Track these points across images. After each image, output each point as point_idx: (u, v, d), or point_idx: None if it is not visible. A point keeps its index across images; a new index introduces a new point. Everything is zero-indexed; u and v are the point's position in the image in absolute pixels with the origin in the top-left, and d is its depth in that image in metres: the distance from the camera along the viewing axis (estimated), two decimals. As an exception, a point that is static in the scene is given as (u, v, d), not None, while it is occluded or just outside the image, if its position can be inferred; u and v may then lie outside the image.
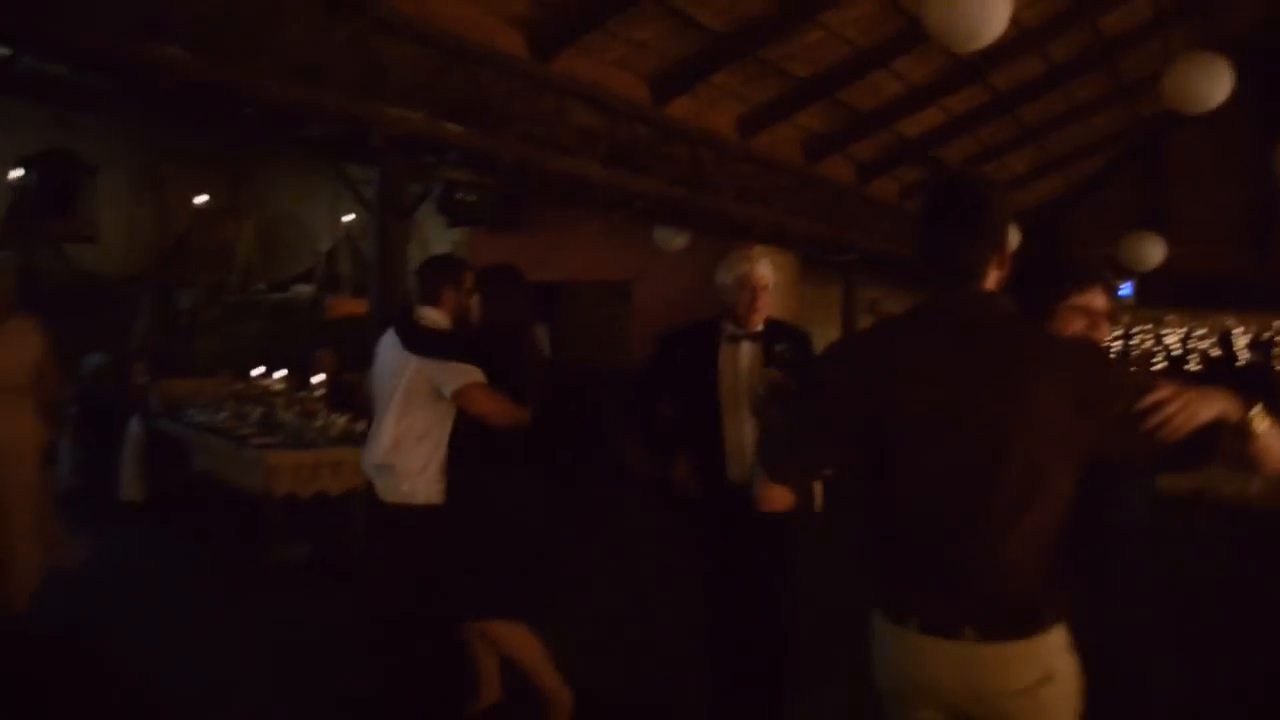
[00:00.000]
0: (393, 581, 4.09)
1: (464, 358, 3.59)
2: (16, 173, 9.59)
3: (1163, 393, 1.91)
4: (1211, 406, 1.93)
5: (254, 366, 8.51)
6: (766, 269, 3.77)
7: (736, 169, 6.93)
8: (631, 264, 11.20)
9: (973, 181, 2.23)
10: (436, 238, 12.82)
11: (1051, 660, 1.95)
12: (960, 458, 1.92)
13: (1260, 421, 1.97)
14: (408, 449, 3.70)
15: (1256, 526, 8.58)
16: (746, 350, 3.73)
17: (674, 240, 9.89)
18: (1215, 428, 1.93)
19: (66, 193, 11.69)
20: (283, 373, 7.97)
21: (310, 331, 9.63)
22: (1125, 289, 11.68)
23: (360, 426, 6.50)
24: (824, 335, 10.60)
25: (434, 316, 3.83)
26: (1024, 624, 1.93)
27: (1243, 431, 1.96)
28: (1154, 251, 9.99)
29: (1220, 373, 11.79)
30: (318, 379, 7.36)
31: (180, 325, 10.71)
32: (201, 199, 10.97)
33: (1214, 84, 5.64)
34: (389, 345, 3.83)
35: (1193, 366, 11.88)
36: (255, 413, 7.66)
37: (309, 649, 5.15)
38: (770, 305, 3.74)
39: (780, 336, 3.68)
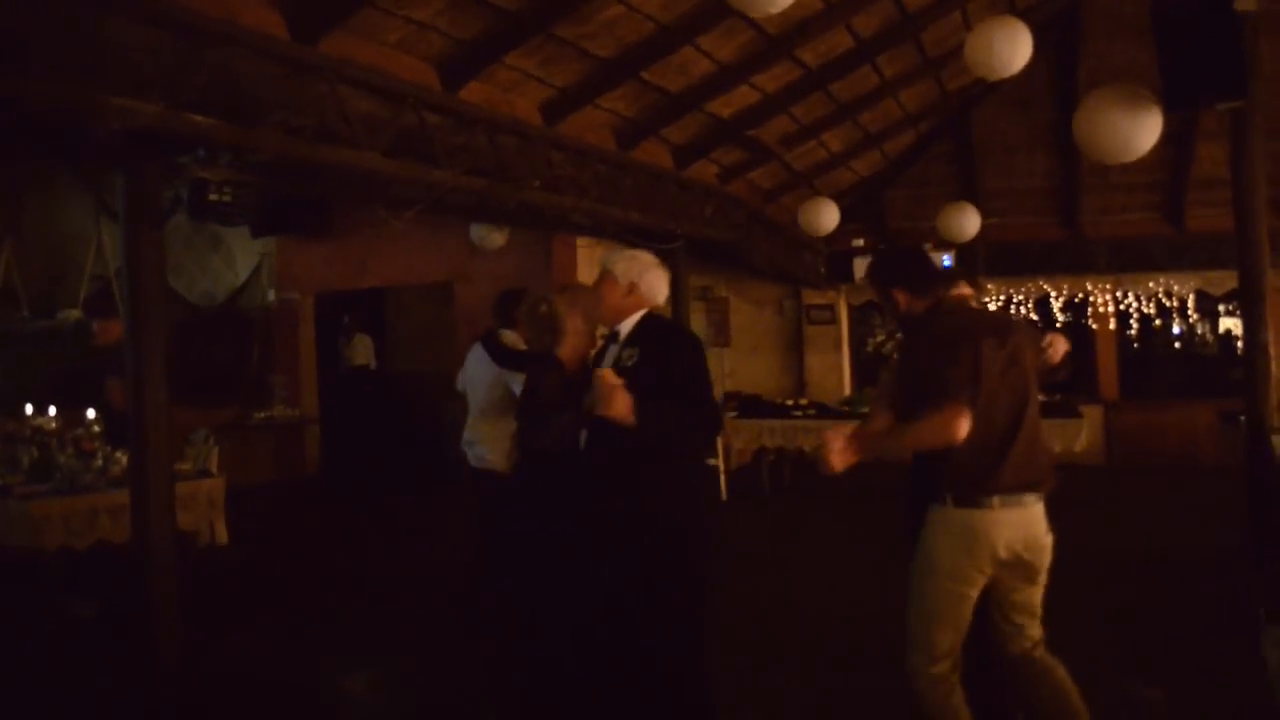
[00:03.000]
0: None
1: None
2: None
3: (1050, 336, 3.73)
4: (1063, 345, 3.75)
5: (29, 403, 7.58)
6: (607, 260, 3.67)
7: (544, 157, 6.51)
8: (452, 265, 10.69)
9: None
10: (242, 249, 11.97)
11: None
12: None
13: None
14: (492, 432, 5.10)
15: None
16: (611, 354, 3.57)
17: (492, 237, 9.44)
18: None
19: None
20: (53, 410, 7.10)
21: (84, 361, 8.73)
22: (945, 260, 11.86)
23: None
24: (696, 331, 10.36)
25: (512, 337, 5.23)
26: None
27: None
28: (969, 223, 10.13)
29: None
30: (91, 414, 6.56)
31: (-57, 364, 9.57)
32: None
33: (1015, 48, 5.58)
34: (479, 358, 5.25)
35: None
36: (28, 456, 6.80)
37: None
38: (618, 302, 3.56)
39: (643, 339, 3.49)
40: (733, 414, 10.39)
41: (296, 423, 11.56)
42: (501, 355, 5.08)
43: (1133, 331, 12.63)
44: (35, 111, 3.55)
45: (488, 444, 5.13)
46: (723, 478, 9.84)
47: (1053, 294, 12.51)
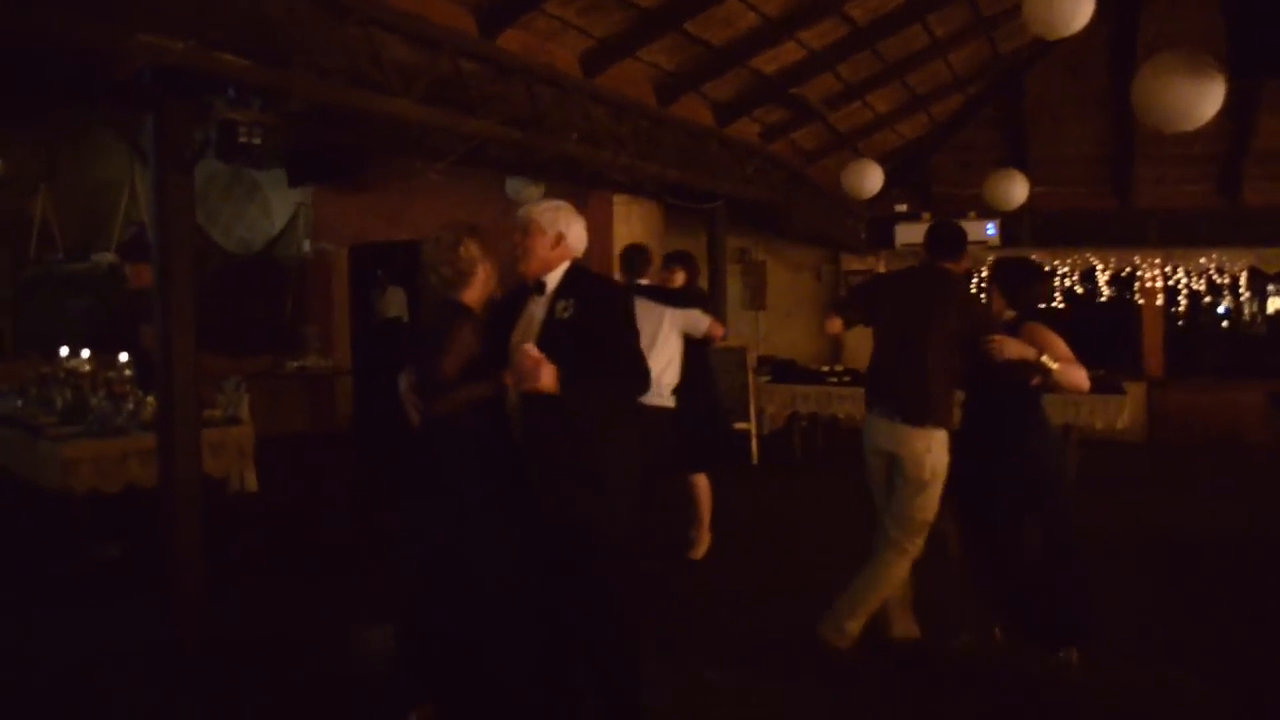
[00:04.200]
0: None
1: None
2: None
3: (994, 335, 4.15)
4: (1013, 349, 4.12)
5: (67, 345, 7.61)
6: (532, 211, 3.52)
7: (582, 109, 6.37)
8: (487, 218, 10.53)
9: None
10: (279, 198, 11.93)
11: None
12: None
13: (1051, 363, 4.10)
14: (667, 370, 5.58)
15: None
16: (535, 306, 3.45)
17: (528, 191, 9.32)
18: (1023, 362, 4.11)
19: None
20: (87, 352, 7.12)
21: (117, 304, 8.73)
22: (990, 229, 11.58)
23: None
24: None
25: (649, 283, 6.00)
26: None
27: (1043, 368, 4.10)
28: (1017, 191, 9.83)
29: (1084, 309, 11.87)
30: (124, 357, 6.56)
31: (-19, 304, 9.64)
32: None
33: (1077, 5, 5.32)
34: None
35: (1058, 304, 11.90)
36: (61, 399, 6.83)
37: (101, 665, 4.53)
38: (545, 254, 3.43)
39: (576, 291, 3.38)
40: (766, 378, 10.25)
41: (329, 373, 11.57)
42: (669, 297, 5.79)
43: (1180, 308, 12.30)
44: (62, 49, 3.46)
45: (663, 382, 5.51)
46: (754, 442, 9.73)
47: (1099, 266, 12.19)
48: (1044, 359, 4.09)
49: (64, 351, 7.49)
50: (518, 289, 3.53)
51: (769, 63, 7.73)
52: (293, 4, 4.20)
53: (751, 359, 10.14)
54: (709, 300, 6.64)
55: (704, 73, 7.44)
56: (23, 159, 10.73)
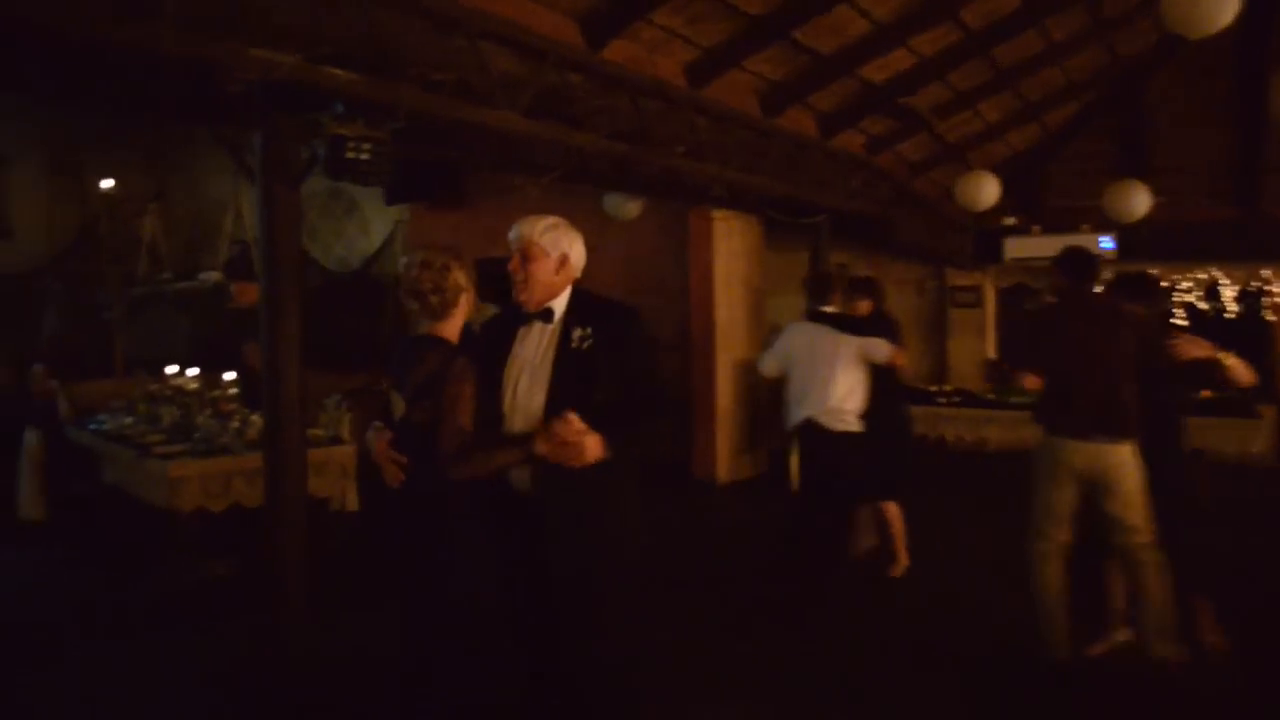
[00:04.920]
0: (831, 481, 5.61)
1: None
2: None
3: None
4: (1195, 349, 4.50)
5: (174, 363, 7.72)
6: (529, 232, 3.11)
7: (687, 121, 6.19)
8: (583, 236, 10.43)
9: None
10: (377, 216, 12.04)
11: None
12: None
13: (1226, 357, 4.46)
14: (850, 397, 5.57)
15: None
16: (535, 333, 3.06)
17: (626, 208, 9.17)
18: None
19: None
20: (194, 371, 7.18)
21: (223, 323, 8.84)
22: (1106, 242, 11.06)
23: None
24: (792, 306, 9.93)
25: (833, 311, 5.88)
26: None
27: (1221, 363, 4.43)
28: (1139, 202, 9.37)
29: (1208, 326, 11.24)
30: (229, 376, 6.59)
31: (94, 322, 9.87)
32: (108, 184, 10.10)
33: (1221, 3, 4.96)
34: (813, 333, 5.72)
35: (1179, 320, 11.29)
36: (169, 416, 6.90)
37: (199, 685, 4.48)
38: (550, 279, 3.06)
39: (589, 318, 3.01)
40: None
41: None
42: (852, 325, 5.75)
43: (1314, 325, 11.57)
44: (170, 63, 3.41)
45: (849, 408, 5.57)
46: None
47: (1225, 281, 11.54)
48: (1219, 354, 4.39)
49: (171, 369, 7.60)
50: (502, 316, 3.18)
51: (878, 71, 7.45)
52: (400, 17, 4.11)
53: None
54: (899, 327, 6.51)
55: (810, 83, 7.19)
56: (134, 179, 11.02)
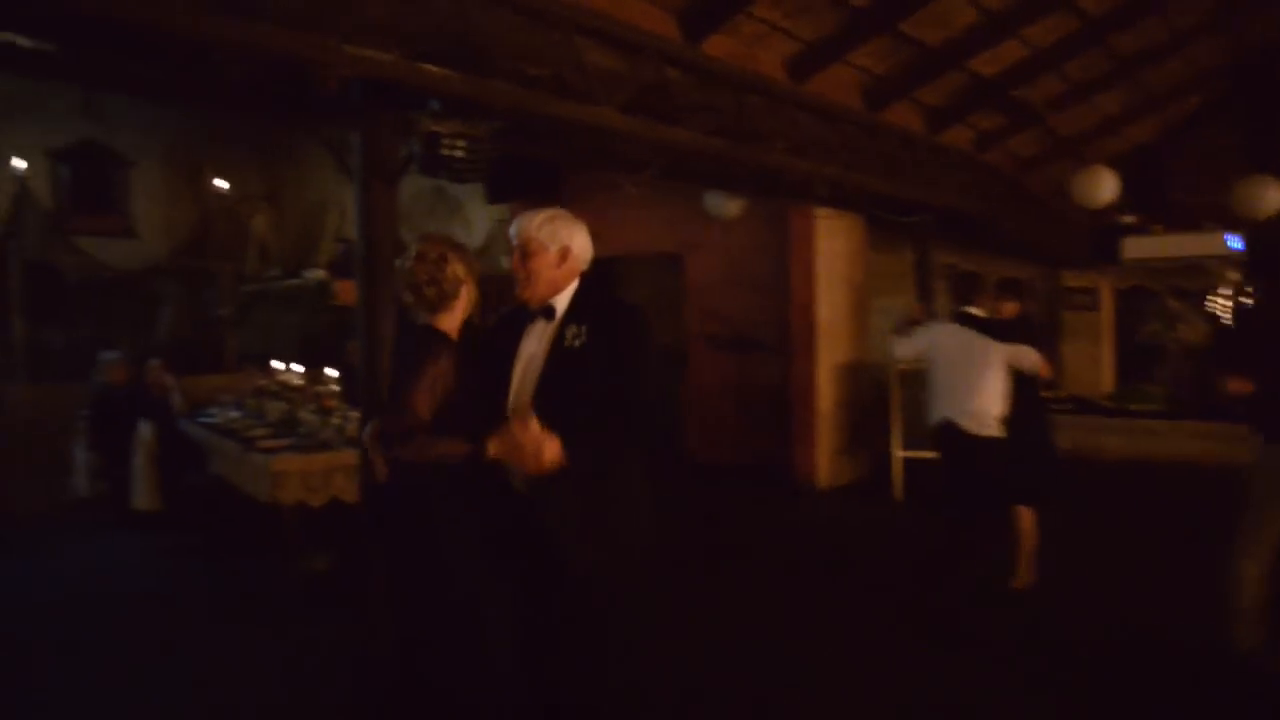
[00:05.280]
0: (970, 485, 5.45)
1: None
2: (19, 164, 9.06)
3: None
4: None
5: (282, 359, 7.91)
6: (527, 226, 2.97)
7: (789, 117, 6.05)
8: (683, 235, 10.39)
9: None
10: (480, 216, 12.15)
11: None
12: None
13: None
14: (994, 402, 5.40)
15: None
16: (538, 331, 2.93)
17: (726, 207, 9.04)
18: None
19: (102, 187, 11.32)
20: (300, 367, 7.33)
21: (331, 320, 9.00)
22: (1234, 241, 10.48)
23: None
24: (896, 307, 9.66)
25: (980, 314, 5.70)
26: None
27: None
28: (1270, 199, 8.84)
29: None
30: (332, 372, 6.69)
31: (208, 318, 10.20)
32: (222, 184, 10.41)
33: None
34: (956, 334, 5.58)
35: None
36: (274, 411, 7.06)
37: (293, 674, 4.54)
38: (551, 274, 2.92)
39: (589, 315, 2.87)
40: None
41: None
42: (998, 329, 5.64)
43: None
44: (269, 60, 3.43)
45: (990, 413, 5.46)
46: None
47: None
48: None
49: (278, 365, 7.77)
50: (512, 313, 3.04)
51: (987, 64, 7.19)
52: (496, 13, 4.09)
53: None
54: (1040, 331, 6.49)
55: (916, 76, 6.98)
56: (248, 180, 11.36)
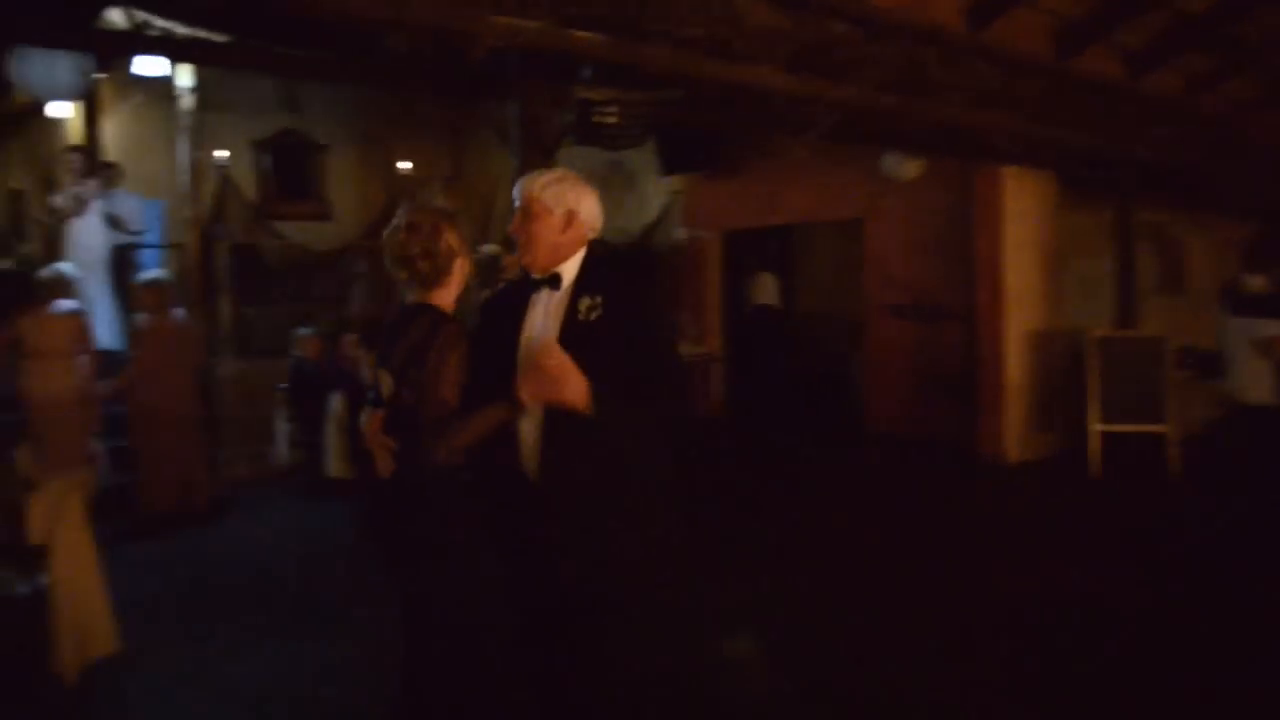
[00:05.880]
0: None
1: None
2: (222, 155, 9.67)
3: None
4: None
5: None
6: (530, 187, 2.75)
7: (968, 68, 5.68)
8: (861, 200, 10.04)
9: None
10: (654, 188, 12.15)
11: None
12: None
13: None
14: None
15: None
16: (544, 301, 2.72)
17: (905, 167, 8.67)
18: None
19: (300, 173, 12.02)
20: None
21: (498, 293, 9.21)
22: None
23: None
24: (1092, 270, 9.01)
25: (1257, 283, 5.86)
26: None
27: None
28: None
29: None
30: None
31: (396, 295, 10.64)
32: (406, 166, 10.81)
33: None
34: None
35: None
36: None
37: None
38: (555, 239, 2.70)
39: (602, 285, 2.66)
40: (1188, 374, 8.82)
41: (703, 360, 11.62)
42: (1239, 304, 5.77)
43: None
44: (420, 31, 3.45)
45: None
46: (1171, 450, 8.39)
47: None
48: None
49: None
50: (516, 283, 2.86)
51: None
52: (648, -28, 3.98)
53: (1169, 351, 8.77)
54: None
55: (1114, 17, 6.40)
56: (432, 162, 11.79)
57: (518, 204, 2.77)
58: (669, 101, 4.40)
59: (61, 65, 5.13)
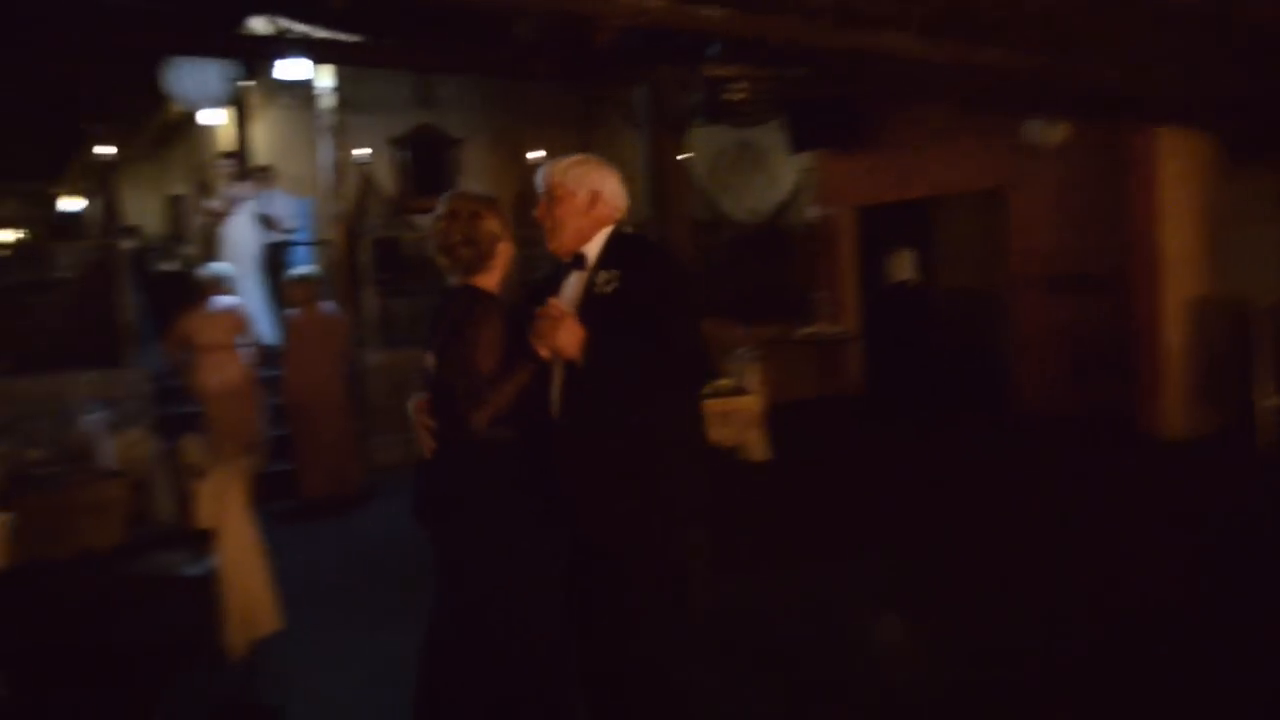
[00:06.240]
0: None
1: None
2: (363, 153, 10.01)
3: None
4: None
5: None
6: (552, 170, 2.81)
7: (1115, 24, 5.37)
8: (1003, 169, 9.65)
9: None
10: (785, 166, 12.00)
11: None
12: None
13: None
14: None
15: None
16: (573, 281, 2.76)
17: (1050, 133, 8.29)
18: None
19: (436, 168, 12.38)
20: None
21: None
22: None
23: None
24: (1261, 238, 8.40)
25: None
26: None
27: None
28: None
29: None
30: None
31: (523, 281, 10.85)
32: (535, 156, 10.96)
33: None
34: None
35: None
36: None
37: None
38: (579, 222, 2.74)
39: (621, 261, 2.70)
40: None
41: (839, 339, 11.43)
42: None
43: None
44: (545, 16, 3.48)
45: None
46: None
47: None
48: None
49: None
50: (554, 269, 2.88)
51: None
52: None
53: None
54: None
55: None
56: (564, 152, 11.90)
57: (541, 188, 2.82)
58: (802, 77, 4.30)
59: (211, 74, 5.39)
